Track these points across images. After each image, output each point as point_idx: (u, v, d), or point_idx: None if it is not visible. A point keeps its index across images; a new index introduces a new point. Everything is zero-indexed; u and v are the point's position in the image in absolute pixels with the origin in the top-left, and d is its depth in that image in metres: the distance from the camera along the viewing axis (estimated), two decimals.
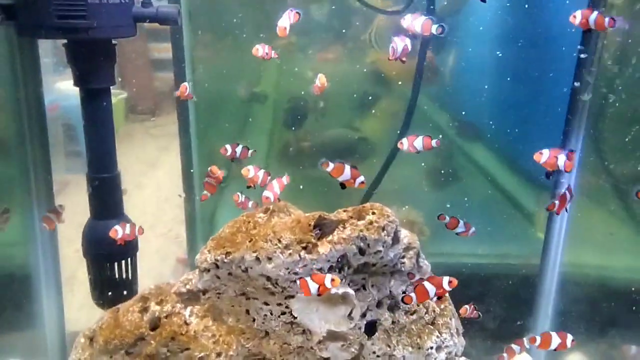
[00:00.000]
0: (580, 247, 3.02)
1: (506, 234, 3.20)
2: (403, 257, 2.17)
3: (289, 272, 2.01)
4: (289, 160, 3.31)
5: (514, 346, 2.31)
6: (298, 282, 1.89)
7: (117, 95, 4.25)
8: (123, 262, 2.51)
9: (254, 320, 2.16)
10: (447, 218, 2.16)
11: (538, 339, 2.15)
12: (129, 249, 2.51)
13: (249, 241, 2.04)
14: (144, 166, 4.40)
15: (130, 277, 2.54)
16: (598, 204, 3.02)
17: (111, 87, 2.37)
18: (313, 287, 1.83)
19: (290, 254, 1.99)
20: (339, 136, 3.33)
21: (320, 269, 2.01)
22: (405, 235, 2.18)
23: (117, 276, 2.50)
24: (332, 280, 1.83)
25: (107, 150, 2.40)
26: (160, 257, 3.60)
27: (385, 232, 2.03)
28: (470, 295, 2.94)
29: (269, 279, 2.05)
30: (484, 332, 3.04)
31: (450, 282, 1.94)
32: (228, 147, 2.28)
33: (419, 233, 3.13)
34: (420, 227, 3.18)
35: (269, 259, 2.00)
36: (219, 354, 2.11)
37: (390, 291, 2.18)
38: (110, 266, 2.49)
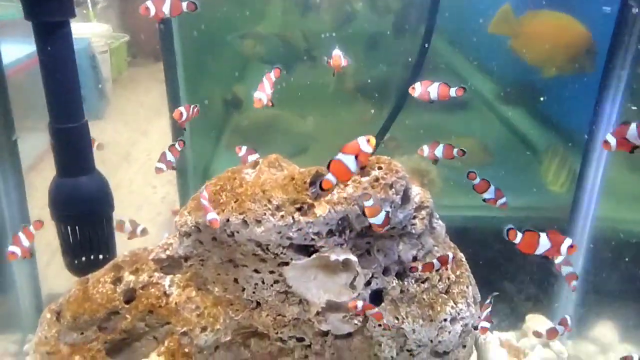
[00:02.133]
0: (614, 202, 2.71)
1: (527, 185, 2.89)
2: (414, 217, 1.88)
3: (281, 237, 1.73)
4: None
5: (557, 327, 2.05)
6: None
7: (119, 39, 4.00)
8: (96, 224, 2.22)
9: (243, 290, 1.90)
10: (478, 179, 1.84)
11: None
12: (102, 208, 2.23)
13: (235, 201, 1.75)
14: (149, 112, 4.08)
15: (105, 241, 2.26)
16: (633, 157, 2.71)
17: (72, 20, 2.01)
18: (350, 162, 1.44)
19: (282, 216, 1.70)
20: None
21: (318, 233, 1.72)
22: (416, 192, 1.88)
23: (90, 240, 2.22)
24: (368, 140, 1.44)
25: (70, 95, 2.07)
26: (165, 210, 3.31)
27: (393, 190, 1.74)
28: (487, 253, 2.70)
29: (258, 244, 1.77)
30: (504, 294, 2.78)
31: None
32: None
33: (430, 184, 2.86)
34: (431, 179, 2.89)
35: (258, 222, 1.72)
36: (204, 329, 1.86)
37: (398, 256, 1.90)
38: (81, 229, 2.20)
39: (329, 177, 1.43)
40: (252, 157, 1.95)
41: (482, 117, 2.99)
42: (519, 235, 1.56)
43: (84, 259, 2.26)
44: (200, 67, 2.99)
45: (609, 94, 2.39)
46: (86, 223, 2.21)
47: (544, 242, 1.55)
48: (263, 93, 1.83)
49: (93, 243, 2.26)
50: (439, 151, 1.98)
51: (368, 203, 1.60)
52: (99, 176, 2.23)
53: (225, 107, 3.10)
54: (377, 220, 1.60)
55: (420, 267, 1.83)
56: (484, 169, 2.71)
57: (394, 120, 2.75)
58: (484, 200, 1.84)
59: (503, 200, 1.88)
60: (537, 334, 2.08)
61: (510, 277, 2.82)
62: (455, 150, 1.97)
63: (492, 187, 1.84)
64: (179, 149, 2.03)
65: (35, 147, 2.79)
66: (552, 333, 2.00)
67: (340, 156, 1.43)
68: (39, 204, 2.38)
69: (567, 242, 1.55)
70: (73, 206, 2.18)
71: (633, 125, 1.52)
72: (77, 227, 2.22)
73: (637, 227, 2.69)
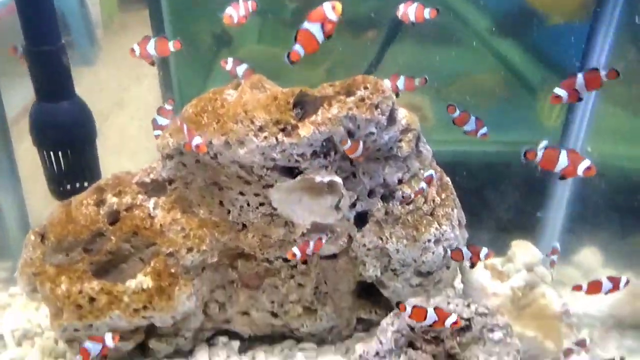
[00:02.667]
0: (602, 136, 2.70)
1: (517, 120, 2.86)
2: (400, 140, 1.85)
3: (264, 159, 1.70)
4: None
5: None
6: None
7: None
8: (79, 150, 2.18)
9: (228, 212, 1.90)
10: (457, 111, 1.79)
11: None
12: (84, 134, 2.18)
13: (217, 122, 1.71)
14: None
15: (90, 168, 2.24)
16: (626, 86, 2.66)
17: None
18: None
19: (265, 137, 1.67)
20: None
21: (302, 155, 1.70)
22: (403, 115, 1.85)
23: (73, 167, 2.19)
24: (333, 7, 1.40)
25: (45, 17, 1.98)
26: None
27: (379, 110, 1.70)
28: (477, 185, 2.72)
29: (242, 166, 1.75)
30: (491, 223, 2.82)
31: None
32: None
33: (422, 119, 2.83)
34: (423, 113, 2.85)
35: (241, 143, 1.69)
36: (190, 250, 1.87)
37: (384, 179, 1.89)
38: (64, 156, 2.17)
39: (297, 47, 1.38)
40: (240, 69, 1.88)
41: (476, 53, 2.91)
42: (539, 153, 1.53)
43: (68, 186, 2.25)
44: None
45: (597, 39, 2.34)
46: (69, 149, 2.18)
47: (563, 160, 1.53)
48: (235, 11, 1.74)
49: (77, 170, 2.24)
50: (400, 83, 1.92)
51: (346, 147, 1.63)
52: (80, 101, 2.17)
53: (215, 42, 2.98)
54: (357, 154, 1.64)
55: (412, 196, 1.82)
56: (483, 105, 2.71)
57: (385, 52, 2.66)
58: (465, 132, 1.80)
59: (484, 130, 1.83)
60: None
61: (498, 207, 2.85)
62: (417, 80, 1.91)
63: (472, 118, 1.79)
64: (170, 107, 1.93)
65: (24, 97, 2.69)
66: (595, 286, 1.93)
67: (306, 25, 1.37)
68: (27, 154, 2.35)
69: (585, 163, 1.53)
70: (54, 132, 2.14)
71: (580, 76, 1.54)
72: (59, 154, 2.18)
73: (623, 161, 2.70)
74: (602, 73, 1.54)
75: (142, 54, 1.79)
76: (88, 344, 1.70)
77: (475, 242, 2.45)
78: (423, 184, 1.79)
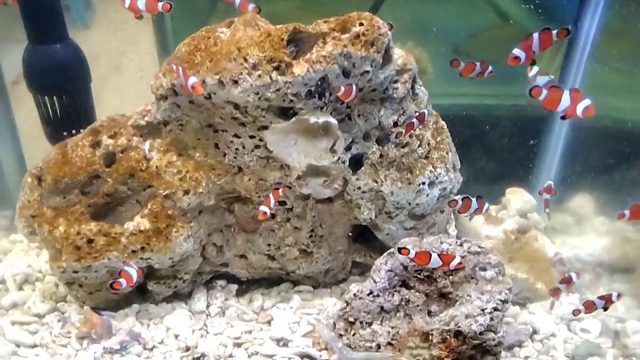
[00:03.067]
0: (597, 88, 2.70)
1: (513, 72, 2.86)
2: (396, 81, 1.84)
3: (259, 98, 1.70)
4: None
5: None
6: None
7: None
8: (74, 94, 2.16)
9: (224, 155, 1.90)
10: (462, 64, 1.77)
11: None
12: (78, 78, 2.16)
13: (210, 61, 1.70)
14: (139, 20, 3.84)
15: (85, 112, 2.22)
16: (620, 40, 2.64)
17: None
18: None
19: (259, 75, 1.66)
20: None
21: (296, 94, 1.69)
22: (399, 55, 1.83)
23: (67, 111, 2.17)
24: None
25: None
26: None
27: (374, 48, 1.68)
28: (475, 136, 2.73)
29: (236, 107, 1.74)
30: (488, 172, 2.84)
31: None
32: None
33: (422, 72, 2.82)
34: (423, 66, 2.83)
35: (235, 82, 1.68)
36: (186, 192, 1.88)
37: (379, 122, 1.89)
38: (59, 100, 2.15)
39: None
40: (141, 1, 1.77)
41: (474, 5, 2.88)
42: (544, 91, 1.52)
43: (64, 132, 2.24)
44: None
45: None
46: (63, 93, 2.16)
47: (565, 100, 1.52)
48: None
49: (72, 114, 2.22)
50: None
51: (339, 93, 1.63)
52: (73, 44, 2.14)
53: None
54: (351, 97, 1.64)
55: (403, 131, 1.81)
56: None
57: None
58: (473, 78, 1.79)
59: (490, 69, 1.82)
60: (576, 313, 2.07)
61: (494, 157, 2.87)
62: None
63: (477, 65, 1.78)
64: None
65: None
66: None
67: None
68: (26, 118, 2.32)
69: (585, 102, 1.52)
70: (47, 75, 2.12)
71: (535, 36, 1.53)
72: (54, 98, 2.17)
73: (616, 112, 2.70)
74: (554, 32, 1.53)
75: (130, 7, 1.74)
76: (128, 268, 1.75)
77: (472, 190, 2.48)
78: (414, 120, 1.77)
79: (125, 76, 3.19)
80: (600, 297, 1.73)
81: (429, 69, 2.85)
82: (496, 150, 2.86)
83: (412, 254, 1.66)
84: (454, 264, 1.65)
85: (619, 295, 1.74)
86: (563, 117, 1.56)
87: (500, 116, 2.88)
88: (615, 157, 2.67)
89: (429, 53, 2.81)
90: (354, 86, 1.66)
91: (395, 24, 2.76)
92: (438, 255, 1.66)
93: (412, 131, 1.83)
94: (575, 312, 1.80)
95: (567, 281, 1.91)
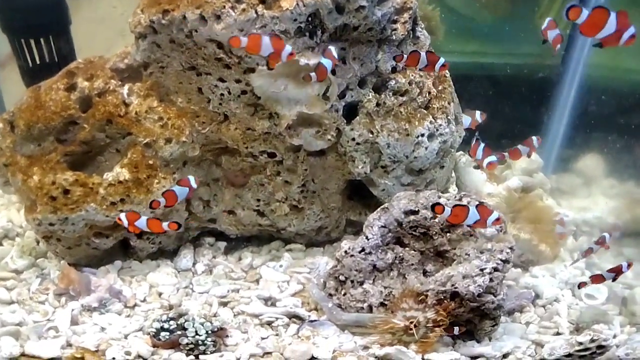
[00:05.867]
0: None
1: (525, 33, 2.74)
2: (395, 21, 1.69)
3: (244, 36, 1.55)
4: None
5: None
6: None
7: None
8: (51, 38, 2.03)
9: (208, 101, 1.77)
10: None
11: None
12: (56, 19, 2.03)
13: None
14: None
15: (64, 59, 2.09)
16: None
17: None
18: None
19: (243, 9, 1.52)
20: None
21: (285, 31, 1.55)
22: None
23: (47, 58, 2.04)
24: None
25: None
26: None
27: None
28: (483, 95, 2.62)
29: (220, 45, 1.61)
30: (494, 133, 2.75)
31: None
32: None
33: (432, 31, 2.71)
34: (435, 25, 2.71)
35: (217, 17, 1.54)
36: (168, 140, 1.76)
37: (376, 67, 1.75)
38: (36, 44, 2.02)
39: None
40: None
41: None
42: (584, 12, 1.35)
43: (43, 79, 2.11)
44: None
45: None
46: (40, 36, 2.03)
47: (610, 25, 1.34)
48: None
49: (51, 61, 2.09)
50: None
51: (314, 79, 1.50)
52: None
53: None
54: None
55: (405, 57, 1.62)
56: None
57: None
58: None
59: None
60: (500, 157, 1.97)
61: (501, 116, 2.77)
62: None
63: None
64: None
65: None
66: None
67: None
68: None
69: (631, 30, 1.35)
70: (22, 16, 1.99)
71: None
72: (31, 41, 2.04)
73: (627, 74, 2.57)
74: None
75: None
76: (176, 188, 1.60)
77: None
78: (422, 53, 1.59)
79: (130, 41, 3.08)
80: (610, 270, 1.62)
81: (440, 27, 2.75)
82: (503, 109, 2.78)
83: (448, 212, 1.50)
84: (491, 219, 1.49)
85: (629, 265, 1.63)
86: (599, 45, 1.39)
87: (508, 74, 2.79)
88: (627, 117, 2.56)
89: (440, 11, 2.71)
90: (328, 65, 1.49)
91: None
92: (476, 207, 1.49)
93: (414, 68, 1.64)
94: (582, 285, 1.69)
95: (601, 242, 1.80)
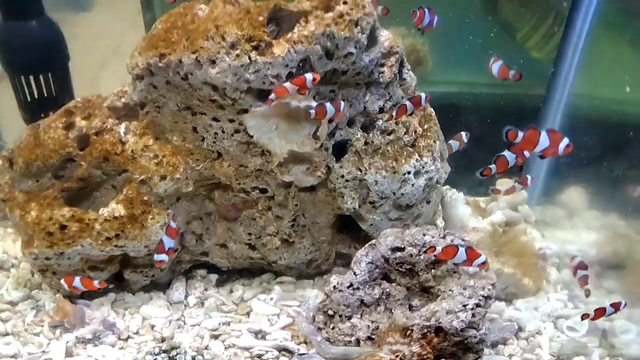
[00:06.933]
0: (592, 78, 2.64)
1: (510, 61, 2.81)
2: (382, 64, 1.77)
3: (237, 79, 1.63)
4: None
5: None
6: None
7: None
8: (50, 74, 2.09)
9: (203, 139, 1.83)
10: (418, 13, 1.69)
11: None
12: (54, 57, 2.09)
13: (187, 39, 1.62)
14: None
15: (62, 95, 2.15)
16: (617, 32, 2.57)
17: None
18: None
19: (237, 55, 1.59)
20: None
21: (277, 76, 1.62)
22: (386, 37, 1.76)
23: (45, 93, 2.10)
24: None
25: None
26: None
27: (359, 28, 1.61)
28: (469, 125, 2.68)
29: (214, 88, 1.67)
30: (480, 163, 2.79)
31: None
32: None
33: (422, 61, 2.77)
34: (423, 56, 2.79)
35: (212, 62, 1.60)
36: (163, 177, 1.81)
37: (364, 107, 1.82)
38: (35, 80, 2.08)
39: None
40: None
41: None
42: (520, 134, 1.50)
43: (42, 114, 2.16)
44: None
45: None
46: (39, 72, 2.09)
47: (543, 140, 1.49)
48: None
49: (49, 97, 2.15)
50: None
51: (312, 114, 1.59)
52: (49, 21, 2.07)
53: None
54: (328, 116, 1.59)
55: (394, 114, 1.72)
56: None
57: None
58: (422, 32, 1.71)
59: (436, 19, 1.76)
60: (496, 192, 2.07)
61: (487, 147, 2.82)
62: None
63: (426, 12, 1.69)
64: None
65: None
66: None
67: None
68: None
69: (565, 141, 1.49)
70: (23, 53, 2.05)
71: None
72: (30, 77, 2.10)
73: (612, 104, 2.64)
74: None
75: None
76: (165, 238, 1.72)
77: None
78: (407, 103, 1.68)
79: (125, 58, 3.12)
80: (611, 304, 1.69)
81: (429, 59, 2.81)
82: (487, 139, 2.82)
83: (439, 250, 1.58)
84: (477, 262, 1.58)
85: (625, 304, 1.70)
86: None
87: (492, 105, 2.84)
88: (609, 149, 2.62)
89: (430, 43, 2.77)
90: (328, 106, 1.60)
91: (395, 9, 2.69)
92: (465, 250, 1.57)
93: (405, 116, 1.73)
94: (584, 317, 1.74)
95: (582, 266, 1.88)
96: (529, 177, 2.05)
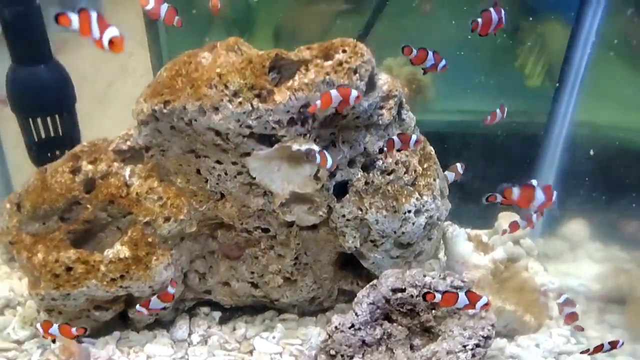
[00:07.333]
0: (594, 104, 2.65)
1: (511, 89, 2.82)
2: (381, 107, 1.81)
3: (240, 126, 1.67)
4: None
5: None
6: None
7: None
8: (57, 116, 2.15)
9: (206, 181, 1.86)
10: (414, 51, 1.70)
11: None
12: (62, 99, 2.14)
13: (190, 87, 1.67)
14: None
15: (69, 136, 2.20)
16: (620, 57, 2.59)
17: None
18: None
19: (240, 102, 1.63)
20: None
21: (278, 122, 1.66)
22: (384, 81, 1.80)
23: (52, 134, 2.15)
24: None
25: None
26: None
27: (357, 75, 1.65)
28: (470, 154, 2.69)
29: (218, 133, 1.71)
30: (479, 194, 2.79)
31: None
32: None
33: (423, 90, 2.80)
34: (424, 84, 2.82)
35: (215, 109, 1.65)
36: (167, 219, 1.84)
37: (364, 148, 1.85)
38: (43, 122, 2.13)
39: None
40: (163, 8, 1.70)
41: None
42: (515, 191, 1.54)
43: (49, 154, 2.22)
44: None
45: None
46: (47, 115, 2.14)
47: (539, 196, 1.54)
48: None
49: (57, 138, 2.20)
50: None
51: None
52: (57, 65, 2.12)
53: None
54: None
55: (385, 148, 1.77)
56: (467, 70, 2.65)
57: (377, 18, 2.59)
58: (424, 70, 1.73)
59: (443, 63, 1.74)
60: (503, 233, 2.08)
61: (487, 178, 2.82)
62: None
63: (430, 54, 1.71)
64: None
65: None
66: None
67: None
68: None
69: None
70: (32, 97, 2.10)
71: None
72: (38, 120, 2.15)
73: (613, 131, 2.64)
74: None
75: (152, 11, 1.69)
76: (154, 300, 1.75)
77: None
78: (394, 138, 1.72)
79: (132, 78, 3.17)
80: (609, 342, 1.70)
81: (430, 88, 2.84)
82: (490, 170, 2.83)
83: (439, 297, 1.59)
84: (480, 304, 1.58)
85: (622, 343, 1.70)
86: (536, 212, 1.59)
87: (493, 133, 2.85)
88: (612, 178, 2.62)
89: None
90: (328, 156, 1.64)
91: (396, 39, 2.71)
92: (465, 294, 1.58)
93: (395, 151, 1.77)
94: (584, 352, 1.74)
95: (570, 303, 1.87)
96: (534, 215, 2.06)
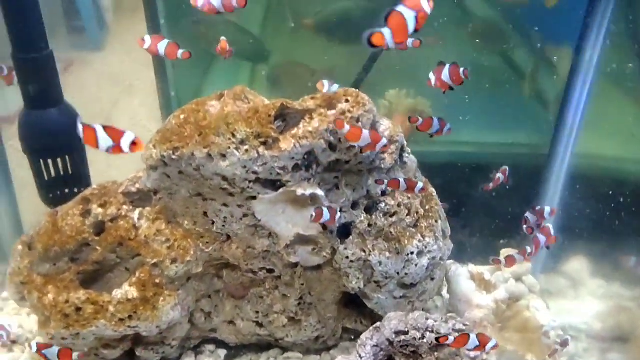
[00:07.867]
0: (596, 136, 2.67)
1: (513, 121, 2.82)
2: (383, 152, 1.86)
3: (246, 171, 1.72)
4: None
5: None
6: None
7: None
8: (67, 157, 2.21)
9: (213, 223, 1.91)
10: (420, 119, 1.76)
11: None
12: (72, 141, 2.20)
13: (199, 135, 1.73)
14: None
15: (79, 174, 2.26)
16: (621, 89, 2.61)
17: None
18: None
19: (246, 150, 1.68)
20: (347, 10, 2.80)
21: (283, 168, 1.71)
22: (386, 127, 1.86)
23: (62, 173, 2.21)
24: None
25: (33, 23, 2.00)
26: None
27: (360, 124, 1.71)
28: (470, 186, 2.70)
29: (225, 178, 1.76)
30: (482, 227, 2.80)
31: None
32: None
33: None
34: (425, 115, 2.85)
35: (223, 156, 1.70)
36: (174, 260, 1.88)
37: (367, 191, 1.90)
38: (53, 162, 2.19)
39: (385, 30, 1.21)
40: (162, 45, 1.75)
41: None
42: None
43: (58, 192, 2.27)
44: None
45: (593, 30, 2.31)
46: (57, 156, 2.20)
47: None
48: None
49: (66, 176, 2.26)
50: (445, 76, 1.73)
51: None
52: (67, 108, 2.19)
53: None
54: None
55: (385, 182, 1.81)
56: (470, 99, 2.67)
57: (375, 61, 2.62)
58: (431, 135, 1.79)
59: (448, 126, 1.81)
60: (496, 262, 2.10)
61: (489, 212, 2.83)
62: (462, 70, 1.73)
63: (435, 121, 1.77)
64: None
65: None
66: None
67: (401, 8, 1.21)
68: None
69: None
70: (42, 139, 2.17)
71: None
72: (49, 160, 2.21)
73: (615, 163, 2.65)
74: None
75: (150, 49, 1.76)
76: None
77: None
78: (400, 179, 1.77)
79: (138, 98, 3.22)
80: None
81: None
82: (491, 204, 2.82)
83: (451, 340, 1.63)
84: (490, 346, 1.62)
85: None
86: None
87: (496, 166, 2.87)
88: (614, 212, 2.61)
89: (433, 103, 2.83)
90: (325, 210, 1.68)
91: (398, 70, 2.73)
92: (476, 336, 1.62)
93: (398, 189, 1.82)
94: None
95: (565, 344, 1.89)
96: (528, 248, 2.08)
